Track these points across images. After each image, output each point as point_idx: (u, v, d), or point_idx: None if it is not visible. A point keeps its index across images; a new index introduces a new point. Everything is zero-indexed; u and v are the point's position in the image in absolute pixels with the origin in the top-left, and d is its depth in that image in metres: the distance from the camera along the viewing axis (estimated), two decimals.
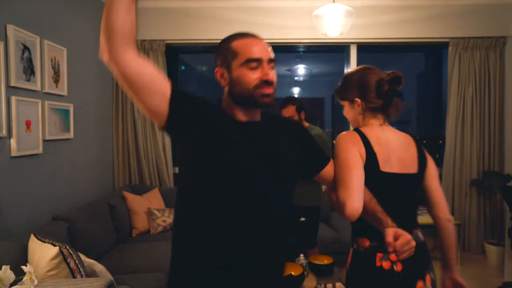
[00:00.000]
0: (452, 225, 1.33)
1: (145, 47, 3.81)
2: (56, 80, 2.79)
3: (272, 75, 1.04)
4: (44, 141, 2.64)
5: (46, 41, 2.64)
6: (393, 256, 1.20)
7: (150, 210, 3.34)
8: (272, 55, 1.06)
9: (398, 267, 1.22)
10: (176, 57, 4.32)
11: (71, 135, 3.00)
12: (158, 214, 3.34)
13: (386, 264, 1.23)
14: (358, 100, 1.34)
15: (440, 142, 4.20)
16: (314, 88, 8.36)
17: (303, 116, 2.74)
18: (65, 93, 2.91)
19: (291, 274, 2.14)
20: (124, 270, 2.51)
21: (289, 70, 7.12)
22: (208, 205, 1.01)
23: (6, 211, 2.26)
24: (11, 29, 2.26)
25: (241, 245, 1.01)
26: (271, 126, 1.14)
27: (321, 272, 2.40)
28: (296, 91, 8.28)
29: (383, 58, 5.85)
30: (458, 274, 1.32)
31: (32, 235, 2.00)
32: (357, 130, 1.31)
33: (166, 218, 3.35)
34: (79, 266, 1.92)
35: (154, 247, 2.90)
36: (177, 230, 1.09)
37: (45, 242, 1.92)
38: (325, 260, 2.48)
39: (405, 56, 5.64)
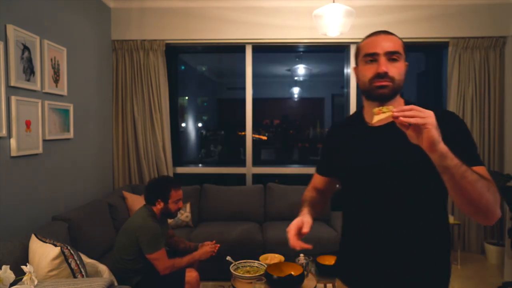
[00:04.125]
0: None
1: (145, 47, 3.81)
2: (56, 80, 2.79)
3: (388, 67, 1.09)
4: (44, 141, 2.64)
5: (46, 41, 2.64)
6: None
7: None
8: (391, 47, 1.10)
9: None
10: (176, 57, 4.32)
11: (71, 135, 3.00)
12: None
13: None
14: None
15: None
16: (314, 88, 8.36)
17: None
18: (65, 93, 2.91)
19: (291, 274, 2.14)
20: None
21: (289, 70, 7.13)
22: None
23: (6, 211, 2.26)
24: (11, 29, 2.26)
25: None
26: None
27: (328, 273, 2.38)
28: (296, 91, 8.29)
29: None
30: None
31: (33, 235, 2.00)
32: None
33: None
34: (80, 266, 1.92)
35: None
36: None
37: (46, 243, 1.92)
38: (333, 261, 2.46)
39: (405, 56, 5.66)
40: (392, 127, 1.03)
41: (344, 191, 1.25)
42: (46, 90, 2.66)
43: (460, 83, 3.75)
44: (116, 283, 2.06)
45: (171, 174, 3.92)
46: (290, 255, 2.57)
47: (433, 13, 3.76)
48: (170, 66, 4.01)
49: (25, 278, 1.59)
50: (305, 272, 2.28)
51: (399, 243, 1.08)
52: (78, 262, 1.92)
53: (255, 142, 4.35)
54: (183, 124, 6.25)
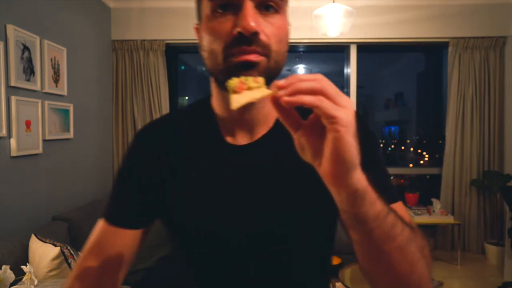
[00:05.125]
0: None
1: (145, 47, 3.80)
2: (56, 80, 2.79)
3: (259, 23, 0.54)
4: (44, 141, 2.64)
5: (46, 41, 2.64)
6: None
7: None
8: None
9: None
10: (176, 57, 4.32)
11: (71, 135, 3.00)
12: None
13: None
14: None
15: (440, 142, 4.20)
16: None
17: None
18: (65, 93, 2.91)
19: None
20: None
21: (289, 70, 7.13)
22: None
23: (6, 211, 2.26)
24: (11, 29, 2.26)
25: None
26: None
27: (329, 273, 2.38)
28: None
29: (383, 58, 5.85)
30: None
31: (33, 235, 2.01)
32: None
33: None
34: None
35: None
36: None
37: (46, 243, 1.93)
38: (334, 261, 2.47)
39: (405, 56, 5.65)
40: (273, 143, 0.60)
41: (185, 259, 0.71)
42: (46, 90, 2.66)
43: (460, 83, 3.75)
44: None
45: None
46: None
47: (433, 13, 3.75)
48: (170, 66, 4.01)
49: (25, 278, 1.59)
50: None
51: None
52: None
53: None
54: None
